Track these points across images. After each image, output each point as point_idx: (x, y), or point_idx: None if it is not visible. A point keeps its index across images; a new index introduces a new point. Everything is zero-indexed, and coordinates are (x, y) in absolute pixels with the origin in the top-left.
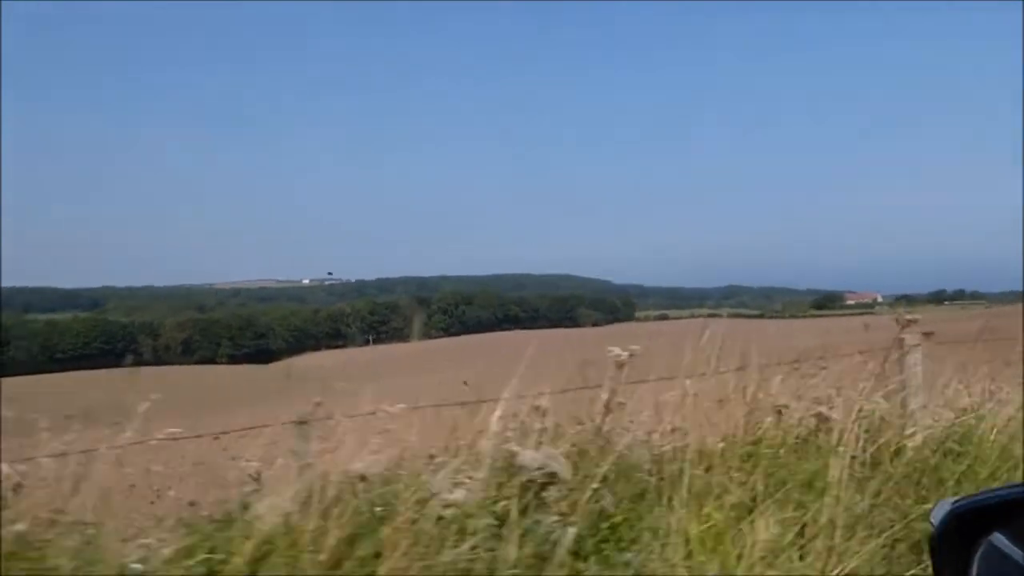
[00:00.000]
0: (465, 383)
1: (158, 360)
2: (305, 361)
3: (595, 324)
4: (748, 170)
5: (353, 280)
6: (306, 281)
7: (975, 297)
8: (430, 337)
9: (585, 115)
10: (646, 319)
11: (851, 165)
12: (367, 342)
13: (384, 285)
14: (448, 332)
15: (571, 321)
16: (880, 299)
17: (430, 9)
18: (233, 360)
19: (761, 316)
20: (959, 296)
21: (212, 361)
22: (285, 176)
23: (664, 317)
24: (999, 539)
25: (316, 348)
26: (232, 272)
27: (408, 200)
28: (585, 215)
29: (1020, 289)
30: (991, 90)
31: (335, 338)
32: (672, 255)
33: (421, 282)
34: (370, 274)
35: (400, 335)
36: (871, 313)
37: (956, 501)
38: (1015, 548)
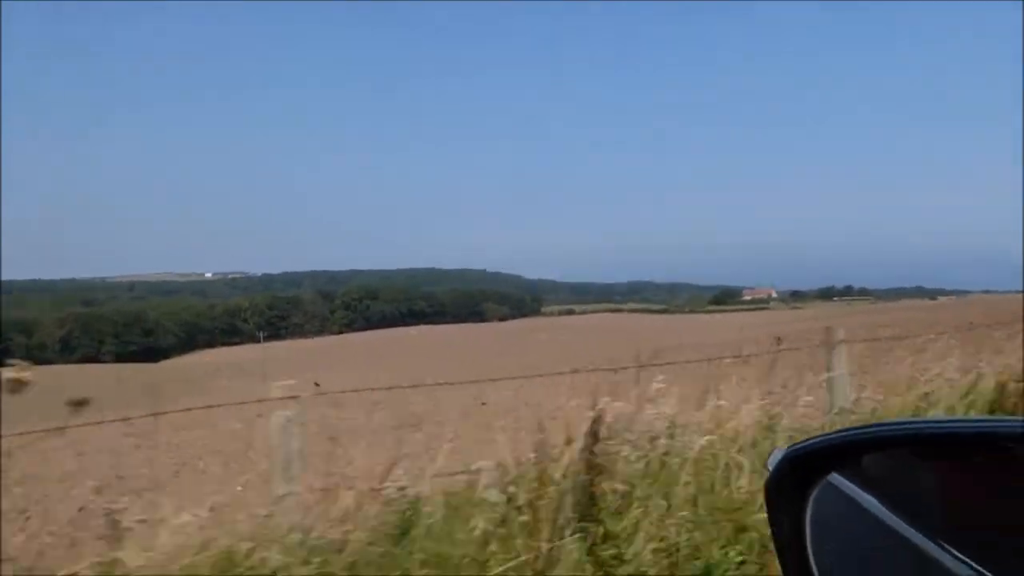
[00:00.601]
0: None
1: (31, 360)
2: (188, 360)
3: (502, 319)
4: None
5: (259, 274)
6: (208, 275)
7: (863, 293)
8: (332, 333)
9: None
10: (551, 314)
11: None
12: (260, 339)
13: (291, 279)
14: (352, 327)
15: (478, 316)
16: (775, 294)
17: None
18: (119, 358)
19: (665, 311)
20: (847, 292)
21: (94, 360)
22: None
23: (570, 312)
24: (835, 478)
25: (210, 345)
26: (129, 265)
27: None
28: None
29: (907, 286)
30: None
31: (231, 334)
32: (581, 248)
33: (331, 276)
34: (278, 268)
35: (300, 331)
36: (766, 308)
37: (791, 446)
38: (849, 485)
